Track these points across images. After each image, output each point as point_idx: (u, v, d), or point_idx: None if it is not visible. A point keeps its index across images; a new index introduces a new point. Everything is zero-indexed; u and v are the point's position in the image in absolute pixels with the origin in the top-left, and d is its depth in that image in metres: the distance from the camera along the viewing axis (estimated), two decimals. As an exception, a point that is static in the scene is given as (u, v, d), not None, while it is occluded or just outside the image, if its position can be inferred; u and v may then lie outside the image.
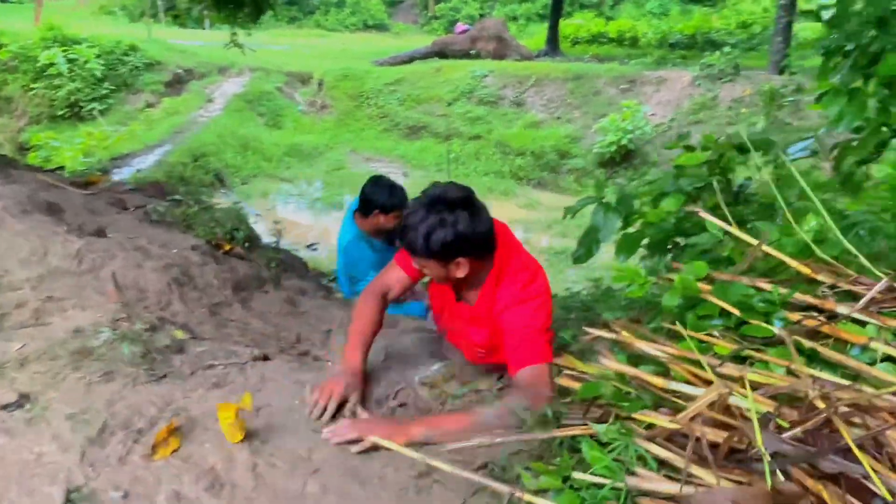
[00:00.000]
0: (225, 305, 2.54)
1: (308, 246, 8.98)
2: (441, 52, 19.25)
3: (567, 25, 22.31)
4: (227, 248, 3.22)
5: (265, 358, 2.07)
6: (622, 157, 12.85)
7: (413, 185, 12.70)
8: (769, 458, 1.12)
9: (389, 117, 16.23)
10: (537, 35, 23.74)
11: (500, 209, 11.60)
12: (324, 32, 30.04)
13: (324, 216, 10.85)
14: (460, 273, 1.91)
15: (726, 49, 15.45)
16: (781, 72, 14.96)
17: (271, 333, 2.45)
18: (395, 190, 3.13)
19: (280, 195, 11.55)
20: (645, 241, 3.57)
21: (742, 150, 3.11)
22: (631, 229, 3.68)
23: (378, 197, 3.06)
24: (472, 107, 15.64)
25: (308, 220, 10.64)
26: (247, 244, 3.42)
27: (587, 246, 3.72)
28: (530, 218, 11.01)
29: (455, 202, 1.85)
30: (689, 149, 3.29)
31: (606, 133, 12.95)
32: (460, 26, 19.53)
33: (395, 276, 2.15)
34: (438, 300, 2.25)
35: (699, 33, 20.35)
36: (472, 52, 18.61)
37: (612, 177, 12.92)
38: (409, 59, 19.29)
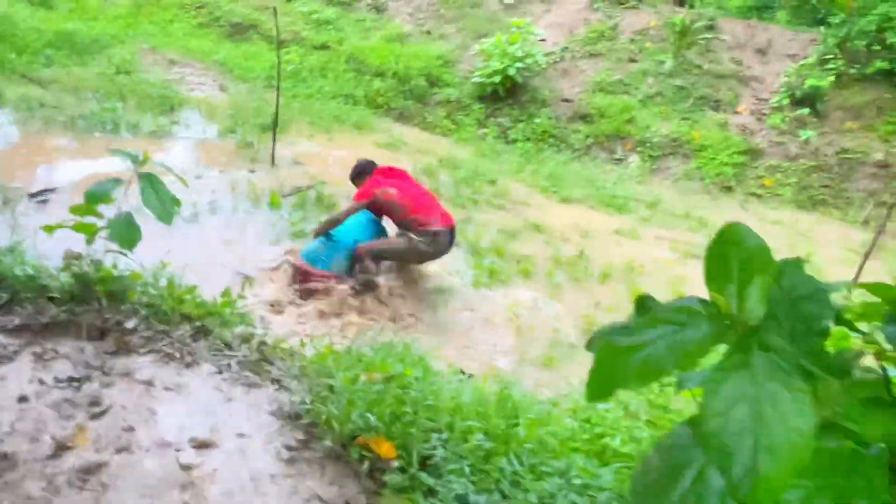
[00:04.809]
0: None
1: (34, 195, 5.47)
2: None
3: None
4: None
5: None
6: (507, 92, 10.23)
7: (231, 103, 9.27)
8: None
9: (208, 9, 12.36)
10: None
11: (352, 147, 8.56)
12: None
13: (86, 142, 7.25)
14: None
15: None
16: (682, 4, 13.01)
17: None
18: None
19: (22, 107, 7.63)
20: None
21: None
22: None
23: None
24: (319, 6, 12.19)
25: (63, 145, 6.99)
26: None
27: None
28: (392, 161, 8.08)
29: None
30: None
31: (489, 58, 10.23)
32: None
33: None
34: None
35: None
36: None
37: (492, 115, 10.30)
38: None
